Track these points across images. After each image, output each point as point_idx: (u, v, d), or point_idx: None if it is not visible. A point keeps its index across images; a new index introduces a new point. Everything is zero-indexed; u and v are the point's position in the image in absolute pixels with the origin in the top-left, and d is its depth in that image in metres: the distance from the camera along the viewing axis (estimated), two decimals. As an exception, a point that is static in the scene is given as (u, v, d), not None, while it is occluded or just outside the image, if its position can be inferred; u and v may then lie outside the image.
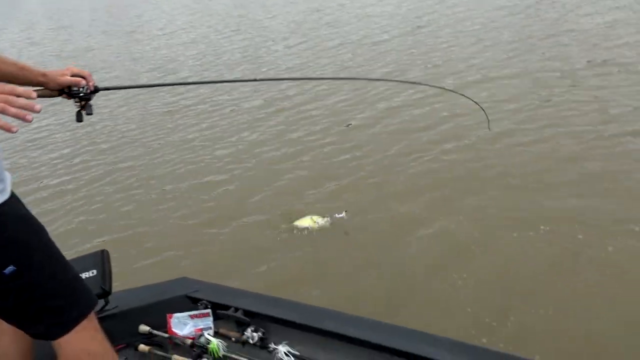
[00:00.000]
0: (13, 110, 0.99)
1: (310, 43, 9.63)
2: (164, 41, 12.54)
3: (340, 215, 3.62)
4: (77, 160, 6.06)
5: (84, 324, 1.29)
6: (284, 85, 7.34)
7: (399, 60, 7.52)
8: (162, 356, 1.72)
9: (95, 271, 1.79)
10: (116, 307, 1.80)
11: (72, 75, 1.56)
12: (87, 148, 6.36)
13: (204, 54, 10.34)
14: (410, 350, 1.46)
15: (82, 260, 1.81)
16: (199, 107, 7.17)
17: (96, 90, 1.62)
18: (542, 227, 3.35)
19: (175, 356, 1.69)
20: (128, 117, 7.31)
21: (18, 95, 1.00)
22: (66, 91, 1.56)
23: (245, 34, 11.64)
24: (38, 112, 1.03)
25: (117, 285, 1.95)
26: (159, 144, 6.13)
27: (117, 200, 4.90)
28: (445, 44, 7.89)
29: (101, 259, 1.81)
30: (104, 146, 6.36)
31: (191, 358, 1.67)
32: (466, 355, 1.39)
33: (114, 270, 1.84)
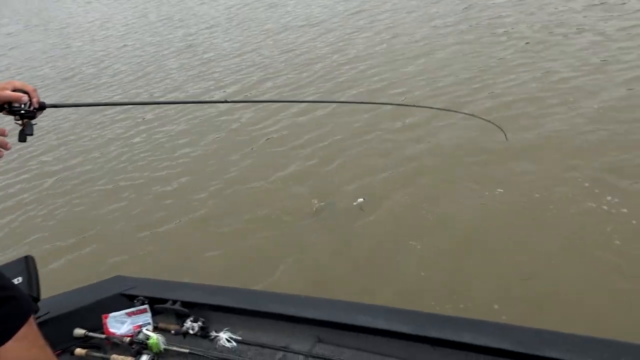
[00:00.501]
0: None
1: (254, 29, 9.49)
2: (96, 33, 12.11)
3: (360, 201, 3.71)
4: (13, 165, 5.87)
5: (25, 330, 1.28)
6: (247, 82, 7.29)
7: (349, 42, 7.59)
8: (100, 357, 1.72)
9: (21, 278, 1.76)
10: (47, 313, 1.78)
11: (14, 90, 1.43)
12: (23, 151, 6.14)
13: (141, 45, 10.07)
14: (351, 322, 1.54)
15: (6, 268, 1.77)
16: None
17: (42, 107, 1.49)
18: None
19: (114, 356, 1.70)
20: (66, 117, 7.08)
21: None
22: (6, 107, 1.44)
23: (180, 21, 11.38)
24: (9, 149, 1.20)
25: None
26: (98, 142, 5.99)
27: (65, 207, 4.80)
28: (389, 25, 7.96)
29: (26, 265, 1.78)
30: (44, 148, 6.16)
31: (131, 356, 1.69)
32: (401, 322, 1.48)
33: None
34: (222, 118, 5.87)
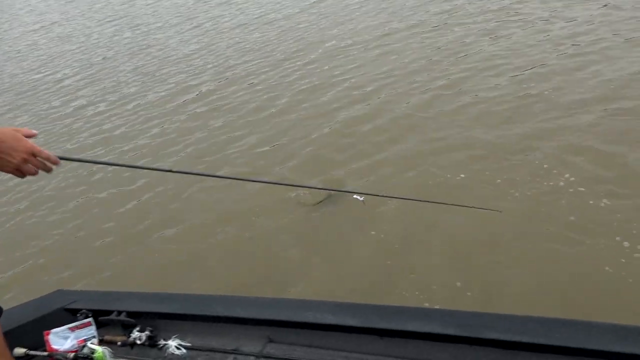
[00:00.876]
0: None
1: (207, 26, 9.36)
2: (39, 37, 11.75)
3: (359, 199, 3.62)
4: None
5: None
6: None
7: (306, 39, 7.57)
8: (44, 376, 1.70)
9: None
10: (-17, 334, 1.74)
11: None
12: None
13: (89, 48, 9.83)
14: (301, 320, 1.56)
15: None
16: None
17: None
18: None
19: (58, 373, 1.68)
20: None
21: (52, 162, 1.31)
22: None
23: (128, 21, 11.14)
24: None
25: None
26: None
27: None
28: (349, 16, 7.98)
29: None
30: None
31: (76, 371, 1.67)
32: (349, 315, 1.51)
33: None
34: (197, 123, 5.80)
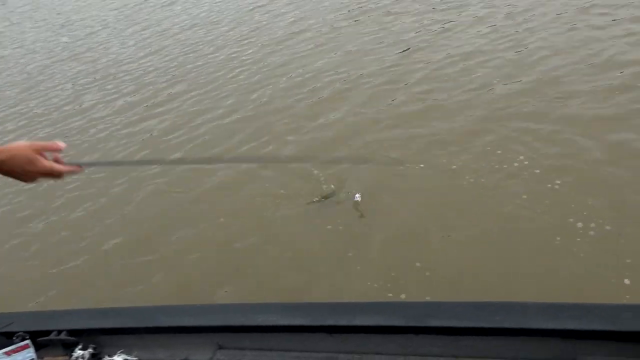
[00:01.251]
0: None
1: (154, 29, 9.17)
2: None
3: (357, 198, 3.60)
4: None
5: None
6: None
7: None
8: (-21, 406, 1.64)
9: None
10: None
11: None
12: None
13: (25, 53, 9.52)
14: (250, 324, 1.57)
15: None
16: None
17: None
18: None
19: (-6, 402, 1.63)
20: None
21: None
22: None
23: (67, 25, 10.84)
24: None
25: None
26: None
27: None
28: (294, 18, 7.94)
29: None
30: None
31: (13, 398, 1.62)
32: (297, 315, 1.53)
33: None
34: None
